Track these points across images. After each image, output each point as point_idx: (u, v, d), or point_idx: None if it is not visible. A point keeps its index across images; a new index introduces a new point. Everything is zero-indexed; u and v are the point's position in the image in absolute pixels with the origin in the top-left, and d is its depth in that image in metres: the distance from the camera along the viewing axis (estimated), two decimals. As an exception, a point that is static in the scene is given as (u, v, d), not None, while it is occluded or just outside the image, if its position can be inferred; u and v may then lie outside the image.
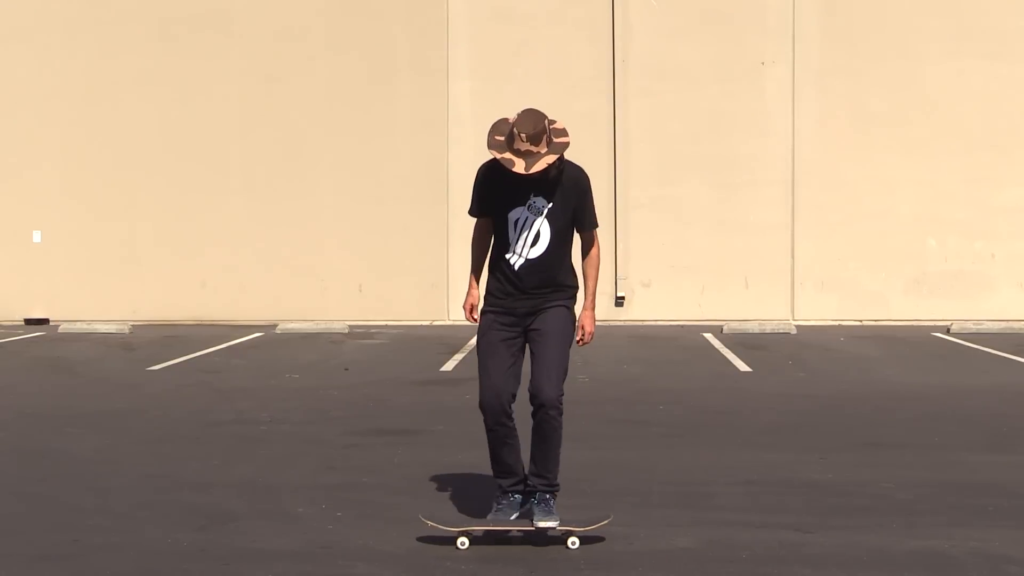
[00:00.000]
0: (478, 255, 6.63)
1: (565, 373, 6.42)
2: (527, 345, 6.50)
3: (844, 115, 18.40)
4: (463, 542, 6.32)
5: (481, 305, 6.55)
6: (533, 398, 6.36)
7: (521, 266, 6.38)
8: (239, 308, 18.70)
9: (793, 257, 18.48)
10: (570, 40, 18.58)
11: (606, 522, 6.42)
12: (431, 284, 18.65)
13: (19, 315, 18.90)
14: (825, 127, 18.44)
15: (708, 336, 16.64)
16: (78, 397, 11.93)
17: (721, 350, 15.19)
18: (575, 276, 6.56)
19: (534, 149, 6.14)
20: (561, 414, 6.38)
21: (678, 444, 9.25)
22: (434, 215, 18.59)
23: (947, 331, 17.08)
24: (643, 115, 18.44)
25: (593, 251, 6.55)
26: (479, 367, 6.49)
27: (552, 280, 6.43)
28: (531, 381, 6.38)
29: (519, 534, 6.44)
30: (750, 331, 17.04)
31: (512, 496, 6.53)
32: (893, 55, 18.34)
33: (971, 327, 17.17)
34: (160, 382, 12.79)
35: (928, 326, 17.72)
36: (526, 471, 6.54)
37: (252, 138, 18.80)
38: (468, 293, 6.59)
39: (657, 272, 18.53)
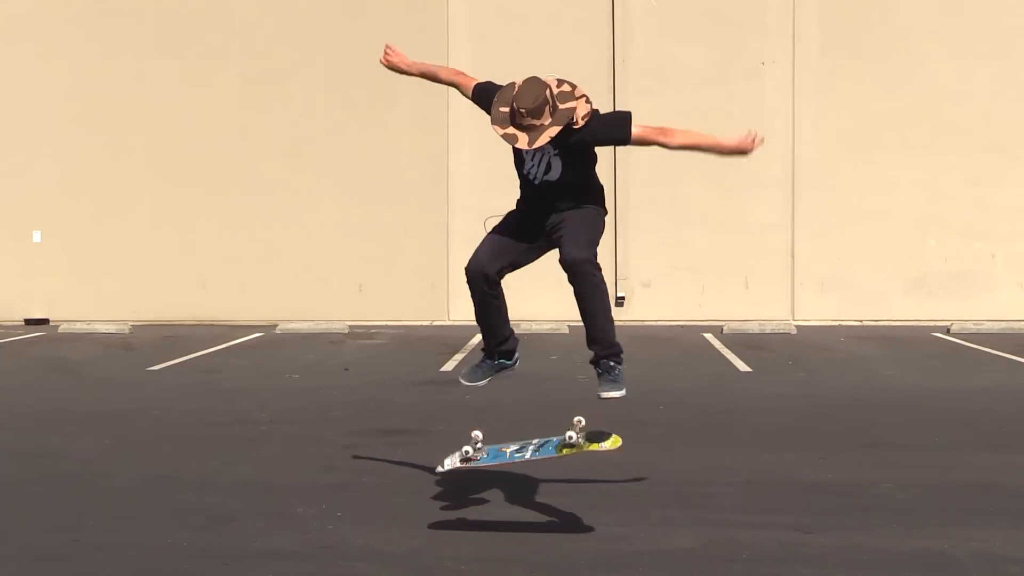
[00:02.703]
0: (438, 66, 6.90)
1: (593, 243, 6.29)
2: (549, 246, 6.46)
3: (844, 115, 18.41)
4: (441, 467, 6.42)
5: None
6: (564, 265, 6.26)
7: (538, 185, 6.37)
8: (239, 308, 18.71)
9: (793, 257, 18.49)
10: (570, 40, 18.58)
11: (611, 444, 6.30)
12: (431, 284, 18.66)
13: (19, 315, 18.92)
14: (825, 127, 18.45)
15: (708, 336, 16.64)
16: (78, 397, 11.93)
17: (721, 350, 15.19)
18: (601, 194, 6.48)
19: (536, 122, 6.11)
20: (598, 269, 6.26)
21: (678, 444, 9.25)
22: (434, 215, 18.60)
23: (947, 331, 17.08)
24: (643, 115, 18.01)
25: (672, 134, 6.39)
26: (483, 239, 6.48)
27: (575, 195, 6.36)
28: (559, 254, 6.30)
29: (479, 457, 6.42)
30: (750, 331, 17.04)
31: (495, 360, 6.59)
32: (893, 55, 18.35)
33: (971, 327, 17.17)
34: (160, 382, 12.79)
35: (928, 326, 17.72)
36: (509, 334, 6.57)
37: (252, 138, 18.81)
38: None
39: (657, 272, 18.53)
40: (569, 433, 6.19)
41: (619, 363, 6.37)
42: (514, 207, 6.60)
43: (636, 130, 6.33)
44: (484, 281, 6.36)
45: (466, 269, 6.44)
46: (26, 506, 7.37)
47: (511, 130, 6.17)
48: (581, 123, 6.23)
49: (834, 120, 18.42)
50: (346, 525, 6.86)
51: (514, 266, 6.48)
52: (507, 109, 6.22)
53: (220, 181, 18.87)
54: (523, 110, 6.10)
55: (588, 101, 6.32)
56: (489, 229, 6.51)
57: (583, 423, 6.18)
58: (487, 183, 18.29)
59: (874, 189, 18.37)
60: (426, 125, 18.56)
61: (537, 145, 6.12)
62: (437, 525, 6.74)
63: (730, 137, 6.41)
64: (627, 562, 6.14)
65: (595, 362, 6.43)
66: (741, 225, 18.44)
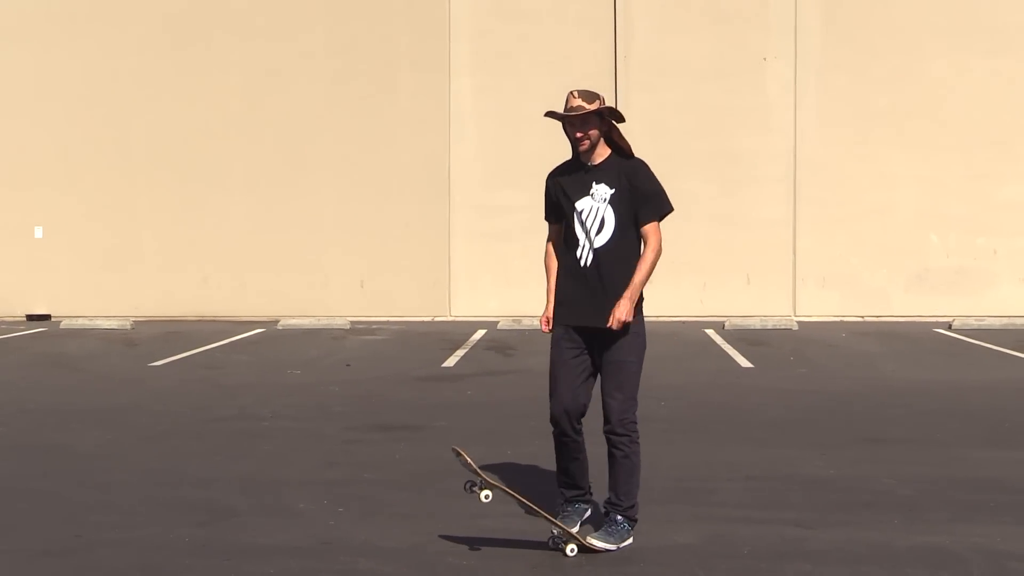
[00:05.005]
0: (552, 265, 6.54)
1: (633, 397, 6.41)
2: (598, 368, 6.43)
3: (846, 111, 18.40)
4: (487, 495, 6.15)
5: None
6: (604, 424, 6.38)
7: (591, 259, 6.32)
8: (241, 304, 18.73)
9: (795, 253, 18.49)
10: (572, 36, 18.58)
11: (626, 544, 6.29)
12: (433, 280, 18.66)
13: (21, 311, 18.93)
14: (827, 123, 18.44)
15: (710, 332, 16.64)
16: (80, 393, 11.94)
17: (723, 346, 15.19)
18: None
19: (587, 105, 6.24)
20: (632, 434, 6.35)
21: (679, 440, 9.26)
22: (436, 211, 18.60)
23: (949, 327, 17.08)
24: (645, 111, 18.43)
25: (648, 247, 6.40)
26: (550, 377, 6.42)
27: (621, 277, 6.32)
28: (603, 404, 6.39)
29: (554, 532, 6.25)
30: (752, 327, 17.04)
31: (576, 504, 6.52)
32: (895, 51, 18.34)
33: (973, 323, 17.17)
34: (162, 378, 12.80)
35: (930, 322, 17.72)
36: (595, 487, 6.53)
37: (254, 134, 18.82)
38: (545, 306, 6.50)
39: (659, 268, 18.41)
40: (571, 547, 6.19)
41: (627, 520, 6.34)
42: (555, 315, 6.46)
43: (654, 225, 6.41)
44: (571, 428, 6.40)
45: (553, 415, 6.40)
46: (28, 502, 7.39)
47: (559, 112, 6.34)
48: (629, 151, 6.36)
49: (835, 116, 18.42)
50: (348, 521, 6.86)
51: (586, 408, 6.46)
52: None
53: (221, 177, 18.88)
54: (575, 92, 6.31)
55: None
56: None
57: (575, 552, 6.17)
58: (488, 179, 18.30)
59: (875, 185, 18.37)
60: (427, 121, 18.56)
61: (570, 112, 6.20)
62: (439, 520, 6.75)
63: (626, 296, 6.29)
64: (629, 558, 6.15)
65: (606, 507, 6.40)
66: (743, 221, 18.43)
